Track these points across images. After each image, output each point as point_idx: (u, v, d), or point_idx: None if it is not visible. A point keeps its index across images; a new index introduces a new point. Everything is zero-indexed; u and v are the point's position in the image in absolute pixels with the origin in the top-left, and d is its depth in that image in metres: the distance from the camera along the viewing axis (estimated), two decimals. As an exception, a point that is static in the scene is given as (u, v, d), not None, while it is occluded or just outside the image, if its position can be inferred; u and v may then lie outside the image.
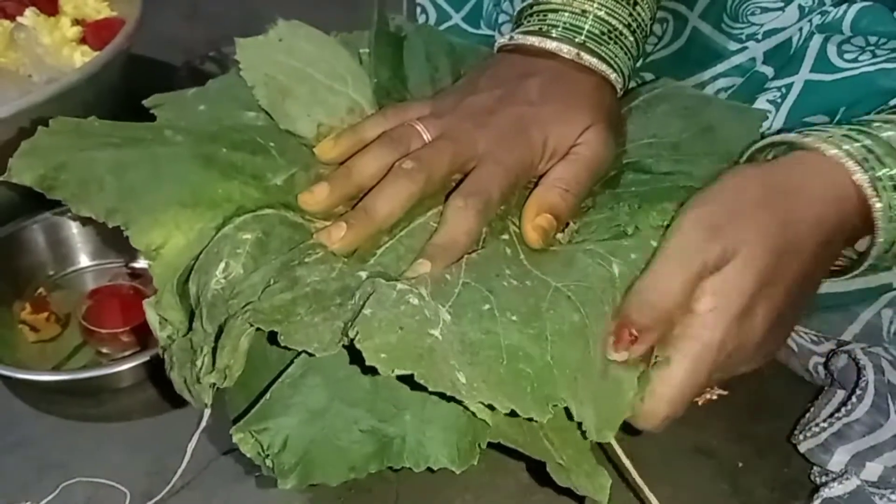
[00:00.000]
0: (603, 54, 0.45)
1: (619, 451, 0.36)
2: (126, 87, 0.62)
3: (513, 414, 0.32)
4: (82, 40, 0.65)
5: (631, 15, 0.45)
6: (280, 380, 0.35)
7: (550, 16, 0.45)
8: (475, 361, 0.32)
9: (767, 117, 0.48)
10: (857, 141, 0.38)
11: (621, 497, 0.41)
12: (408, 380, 0.31)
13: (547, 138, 0.42)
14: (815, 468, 0.44)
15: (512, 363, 0.33)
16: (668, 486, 0.37)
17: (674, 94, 0.50)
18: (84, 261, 0.56)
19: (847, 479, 0.42)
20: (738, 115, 0.48)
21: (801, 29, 0.48)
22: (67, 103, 0.52)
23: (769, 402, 0.47)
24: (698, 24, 0.52)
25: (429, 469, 0.34)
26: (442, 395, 0.31)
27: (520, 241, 0.39)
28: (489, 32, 0.62)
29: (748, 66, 0.51)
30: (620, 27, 0.45)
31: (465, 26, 0.63)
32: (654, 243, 0.38)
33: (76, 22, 0.66)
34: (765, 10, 0.49)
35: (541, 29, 0.45)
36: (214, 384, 0.34)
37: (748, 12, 0.50)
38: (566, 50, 0.44)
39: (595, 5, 0.45)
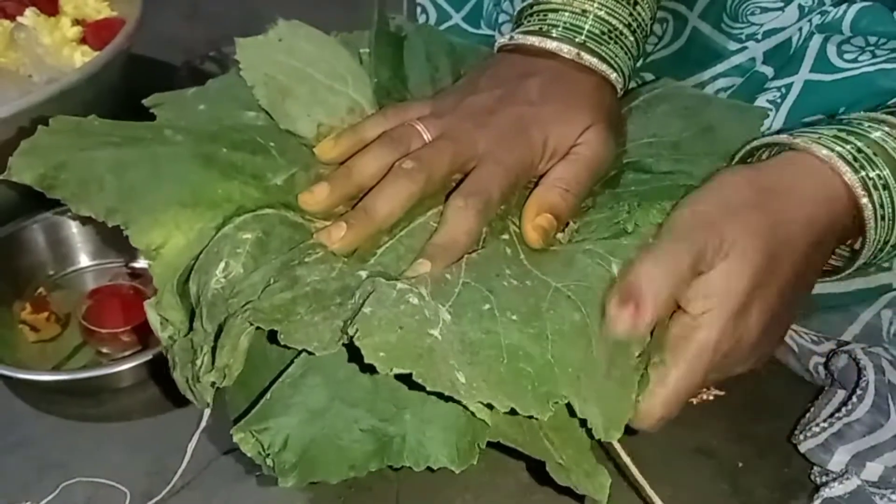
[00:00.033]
0: (603, 54, 0.45)
1: (621, 451, 0.36)
2: (126, 87, 0.62)
3: (512, 413, 0.32)
4: (82, 40, 0.65)
5: (631, 15, 0.45)
6: (280, 380, 0.35)
7: (551, 15, 0.45)
8: (475, 361, 0.32)
9: (768, 115, 0.48)
10: (847, 142, 0.38)
11: (623, 497, 0.41)
12: (406, 379, 0.31)
13: (547, 138, 0.42)
14: (815, 468, 0.43)
15: (512, 362, 0.33)
16: (669, 486, 0.37)
17: (674, 93, 0.50)
18: (84, 261, 0.56)
19: (847, 479, 0.42)
20: (738, 115, 0.48)
21: (800, 29, 0.48)
22: (68, 103, 0.52)
23: (769, 402, 0.47)
24: (698, 23, 0.52)
25: (429, 468, 0.34)
26: (440, 395, 0.31)
27: (520, 240, 0.39)
28: (489, 32, 0.62)
29: (748, 66, 0.51)
30: (621, 27, 0.45)
31: (465, 26, 0.63)
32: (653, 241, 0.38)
33: (76, 22, 0.66)
34: (764, 9, 0.50)
35: (541, 29, 0.45)
36: (214, 383, 0.34)
37: (748, 12, 0.50)
38: (566, 50, 0.44)
39: (595, 5, 0.45)
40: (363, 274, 0.35)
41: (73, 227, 0.55)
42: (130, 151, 0.39)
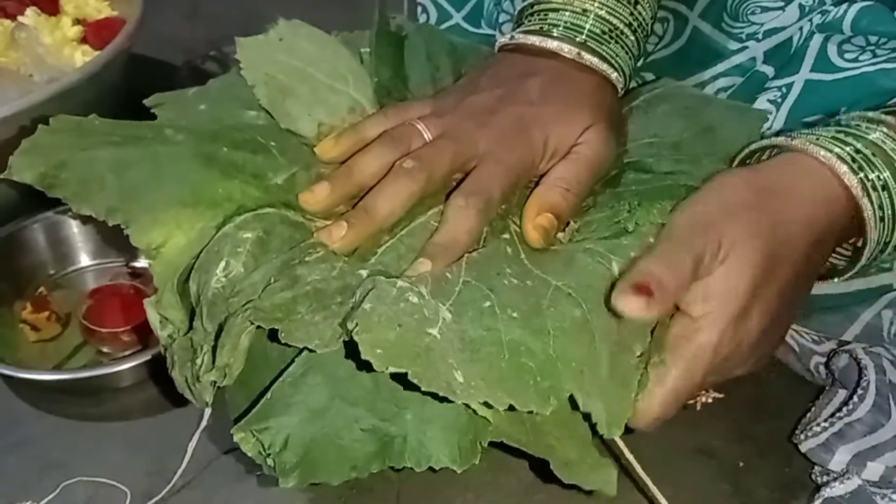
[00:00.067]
0: (604, 53, 0.45)
1: (624, 448, 0.36)
2: (127, 87, 0.62)
3: (511, 410, 0.32)
4: (83, 40, 0.65)
5: (632, 14, 0.45)
6: (281, 379, 0.35)
7: (551, 15, 0.45)
8: (475, 358, 0.32)
9: (768, 118, 0.48)
10: (846, 143, 0.38)
11: (627, 497, 0.41)
12: (402, 378, 0.31)
13: (548, 138, 0.42)
14: (816, 468, 0.43)
15: (514, 357, 0.33)
16: (669, 486, 0.37)
17: (674, 94, 0.50)
18: (85, 260, 0.56)
19: (848, 478, 0.42)
20: (738, 116, 0.48)
21: (801, 28, 0.48)
22: (68, 103, 0.52)
23: (770, 402, 0.47)
24: (699, 23, 0.52)
25: (430, 468, 0.34)
26: (435, 396, 0.31)
27: (520, 240, 0.39)
28: (490, 32, 0.62)
29: (748, 65, 0.51)
30: (621, 26, 0.45)
31: (465, 26, 0.63)
32: (653, 241, 0.38)
33: (77, 21, 0.66)
34: (765, 9, 0.50)
35: (542, 28, 0.45)
36: (215, 382, 0.34)
37: (748, 12, 0.50)
38: (567, 49, 0.44)
39: (596, 4, 0.45)
40: (364, 273, 0.35)
41: (74, 227, 0.55)
42: (131, 151, 0.39)
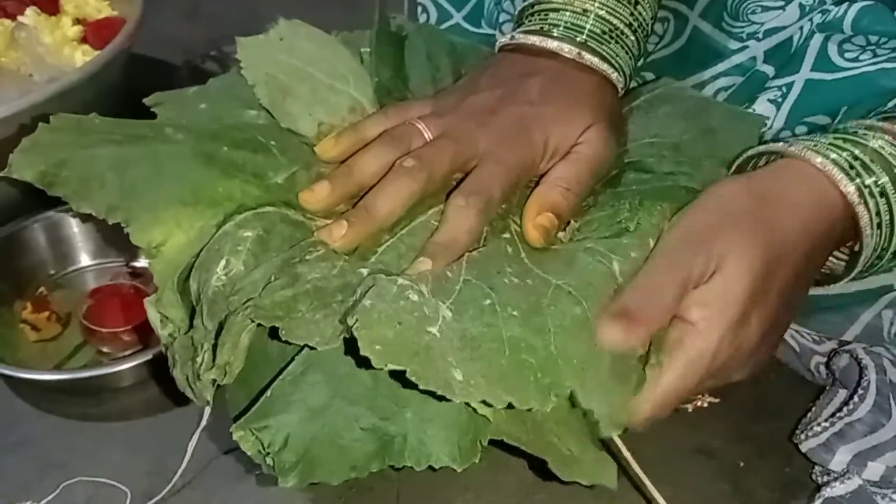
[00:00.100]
0: (604, 53, 0.45)
1: (622, 447, 0.36)
2: (127, 87, 0.62)
3: (510, 407, 0.32)
4: (83, 39, 0.65)
5: (632, 14, 0.45)
6: (281, 377, 0.35)
7: (552, 15, 0.45)
8: (475, 356, 0.32)
9: (766, 123, 0.48)
10: (843, 150, 0.38)
11: (626, 497, 0.41)
12: (401, 376, 0.31)
13: (548, 138, 0.42)
14: (816, 468, 0.43)
15: (514, 354, 0.33)
16: (669, 486, 0.37)
17: (675, 95, 0.51)
18: (85, 260, 0.56)
19: (849, 478, 0.42)
20: (738, 120, 0.48)
21: (801, 28, 0.48)
22: (68, 102, 0.52)
23: (770, 402, 0.47)
24: (699, 23, 0.52)
25: (430, 467, 0.34)
26: (433, 394, 0.31)
27: (521, 239, 0.39)
28: (490, 32, 0.62)
29: (749, 65, 0.51)
30: (622, 26, 0.45)
31: (466, 25, 0.63)
32: (653, 242, 0.38)
33: (77, 21, 0.66)
34: (765, 8, 0.50)
35: (542, 28, 0.45)
36: (215, 381, 0.34)
37: (749, 11, 0.50)
38: (567, 49, 0.44)
39: (596, 4, 0.45)
40: (364, 272, 0.35)
41: (74, 227, 0.55)
42: (131, 149, 0.39)
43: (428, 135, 0.42)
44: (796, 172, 0.39)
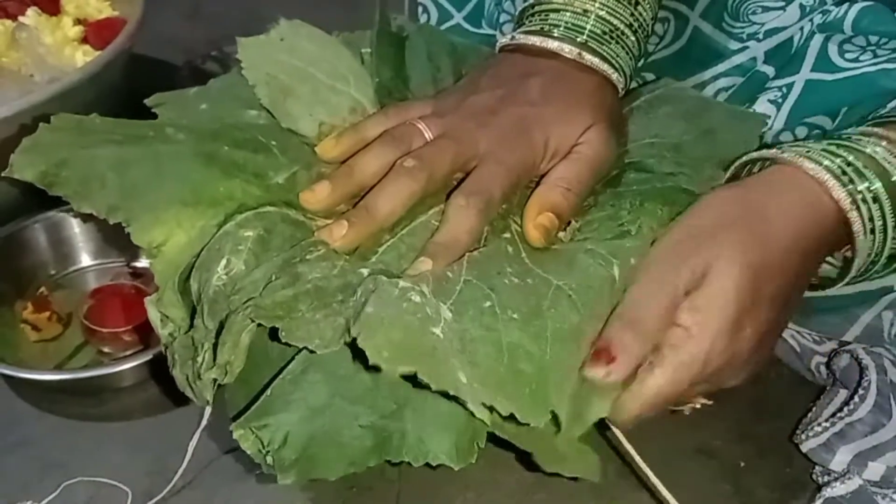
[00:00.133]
0: (605, 54, 0.45)
1: (625, 442, 0.36)
2: (128, 87, 0.62)
3: (512, 417, 0.32)
4: (84, 40, 0.65)
5: (633, 14, 0.45)
6: (281, 376, 0.35)
7: (552, 15, 0.45)
8: (474, 361, 0.32)
9: (767, 123, 0.48)
10: (836, 156, 0.38)
11: (629, 496, 0.41)
12: (411, 378, 0.31)
13: (548, 138, 0.42)
14: (817, 468, 0.43)
15: (512, 362, 0.33)
16: (670, 486, 0.37)
17: (676, 95, 0.51)
18: (86, 260, 0.56)
19: (849, 478, 0.42)
20: (738, 121, 0.48)
21: (802, 28, 0.48)
22: (69, 103, 0.52)
23: (771, 402, 0.47)
24: (699, 23, 0.52)
25: (429, 466, 0.34)
26: (444, 394, 0.31)
27: (521, 239, 0.39)
28: (491, 32, 0.62)
29: (749, 65, 0.51)
30: (622, 27, 0.45)
31: (466, 26, 0.63)
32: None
33: (78, 21, 0.66)
34: (766, 9, 0.50)
35: (542, 28, 0.45)
36: (216, 380, 0.34)
37: (749, 11, 0.50)
38: (568, 49, 0.44)
39: (597, 5, 0.45)
40: (365, 272, 0.35)
41: (75, 227, 0.55)
42: (132, 149, 0.39)
43: (428, 135, 0.42)
44: (789, 179, 0.39)
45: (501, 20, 0.60)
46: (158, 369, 0.47)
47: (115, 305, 0.51)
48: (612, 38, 0.45)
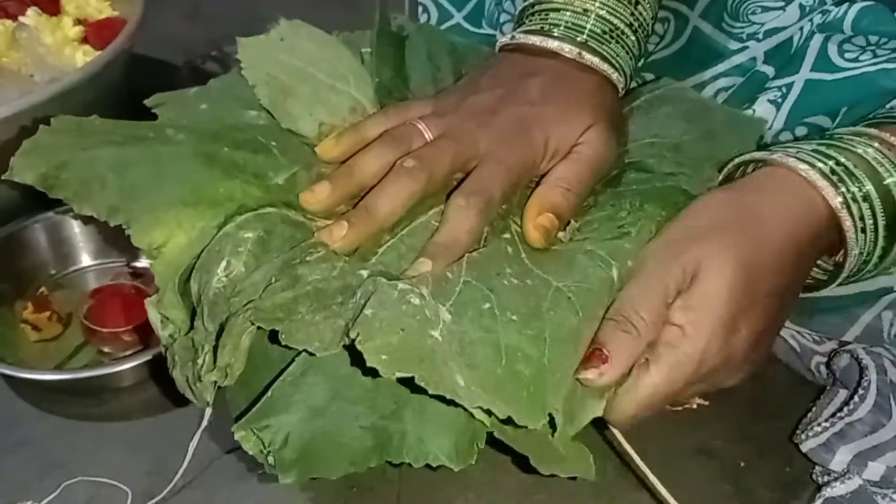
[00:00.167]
0: (605, 53, 0.45)
1: (624, 442, 0.36)
2: (128, 87, 0.62)
3: (509, 420, 0.32)
4: (84, 40, 0.65)
5: (633, 14, 0.45)
6: (281, 378, 0.35)
7: (552, 15, 0.45)
8: (473, 363, 0.32)
9: (767, 125, 0.48)
10: (827, 157, 0.39)
11: (628, 496, 0.41)
12: (409, 382, 0.31)
13: (548, 138, 0.42)
14: (817, 468, 0.43)
15: (510, 364, 0.33)
16: (670, 486, 0.37)
17: (676, 96, 0.51)
18: (86, 260, 0.56)
19: (849, 478, 0.42)
20: (738, 124, 0.48)
21: (801, 28, 0.48)
22: (69, 103, 0.52)
23: (771, 402, 0.47)
24: (699, 23, 0.52)
25: (429, 467, 0.34)
26: (441, 398, 0.31)
27: (521, 240, 0.39)
28: (491, 32, 0.62)
29: (749, 65, 0.51)
30: (622, 26, 0.45)
31: (466, 25, 0.63)
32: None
33: (78, 21, 0.66)
34: (766, 9, 0.50)
35: (542, 28, 0.45)
36: (216, 382, 0.34)
37: (749, 11, 0.50)
38: (568, 49, 0.44)
39: (597, 4, 0.45)
40: (364, 273, 0.35)
41: (75, 227, 0.55)
42: (132, 150, 0.39)
43: (428, 135, 0.42)
44: (781, 180, 0.39)
45: (501, 20, 0.60)
46: (158, 369, 0.47)
47: (115, 305, 0.51)
48: (612, 37, 0.45)
